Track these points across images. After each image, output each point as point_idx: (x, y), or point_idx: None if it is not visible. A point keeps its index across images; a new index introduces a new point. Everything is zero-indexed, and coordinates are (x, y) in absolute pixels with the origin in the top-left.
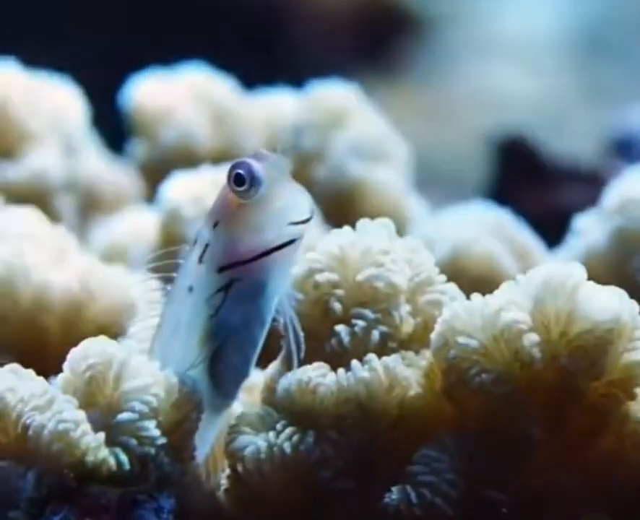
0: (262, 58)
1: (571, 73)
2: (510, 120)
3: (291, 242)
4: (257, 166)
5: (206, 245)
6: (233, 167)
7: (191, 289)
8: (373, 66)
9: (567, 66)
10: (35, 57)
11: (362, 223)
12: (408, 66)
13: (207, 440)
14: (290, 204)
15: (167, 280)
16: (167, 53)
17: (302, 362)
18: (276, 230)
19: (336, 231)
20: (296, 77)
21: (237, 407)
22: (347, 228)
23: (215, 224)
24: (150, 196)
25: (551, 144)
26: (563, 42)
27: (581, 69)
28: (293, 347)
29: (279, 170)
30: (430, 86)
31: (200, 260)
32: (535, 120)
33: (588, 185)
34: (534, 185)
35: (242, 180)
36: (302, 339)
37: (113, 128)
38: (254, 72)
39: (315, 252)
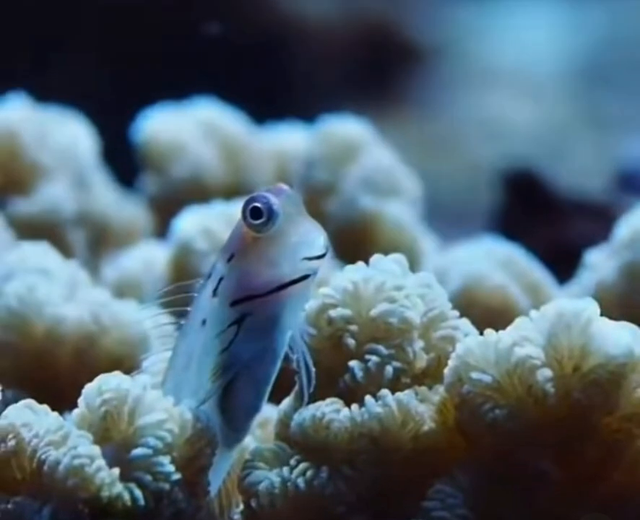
0: (269, 89)
1: (571, 102)
2: (513, 151)
3: (305, 277)
4: (274, 200)
5: (221, 279)
6: (249, 201)
7: (204, 322)
8: (375, 97)
9: (568, 96)
10: (45, 91)
11: (376, 258)
12: (410, 97)
13: (219, 475)
14: (305, 239)
15: (180, 314)
16: (178, 87)
17: (315, 398)
18: (291, 264)
19: (349, 267)
20: (301, 108)
21: (250, 442)
22: (360, 264)
23: (230, 258)
24: (161, 230)
25: (555, 175)
26: (564, 71)
27: (582, 98)
28: (305, 383)
29: (294, 205)
30: (432, 116)
31: (214, 293)
32: (538, 150)
33: (597, 219)
34: (543, 219)
35: (259, 214)
36: (313, 375)
37: (124, 162)
38: (262, 105)
39: (328, 287)
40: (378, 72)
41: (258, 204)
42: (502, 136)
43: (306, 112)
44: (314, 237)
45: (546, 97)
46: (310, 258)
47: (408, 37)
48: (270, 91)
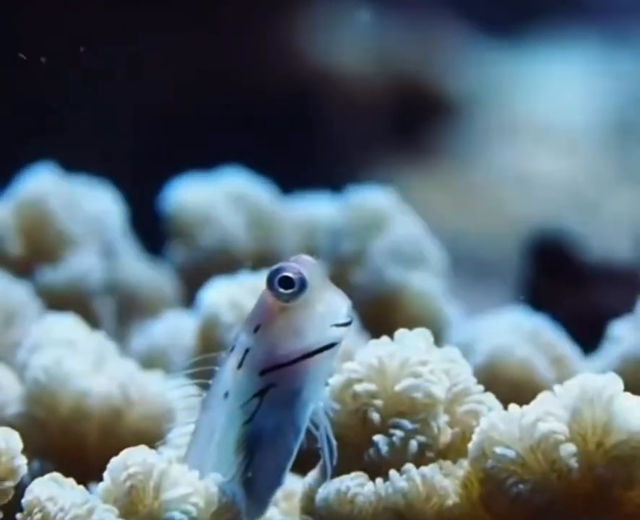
0: (300, 147)
1: (605, 156)
2: (545, 205)
3: (331, 345)
4: (303, 270)
5: (247, 350)
6: (278, 271)
7: (226, 395)
8: (407, 150)
9: (601, 149)
10: (74, 161)
11: (401, 333)
12: (442, 150)
13: None
14: (331, 307)
15: (204, 386)
16: (204, 157)
17: (340, 472)
18: (318, 332)
19: (374, 342)
20: (333, 165)
21: (275, 515)
22: (385, 338)
23: (256, 329)
24: (189, 299)
25: (586, 234)
26: (597, 124)
27: (616, 152)
28: (327, 457)
29: (319, 275)
30: (464, 170)
31: (239, 365)
32: (568, 203)
33: (625, 287)
34: (570, 288)
35: (290, 284)
36: (335, 449)
37: (152, 232)
38: (293, 166)
39: (353, 362)
40: (410, 125)
41: (290, 274)
42: (534, 189)
43: (338, 169)
44: (339, 306)
45: (579, 150)
46: (337, 325)
47: (440, 89)
48: (301, 148)
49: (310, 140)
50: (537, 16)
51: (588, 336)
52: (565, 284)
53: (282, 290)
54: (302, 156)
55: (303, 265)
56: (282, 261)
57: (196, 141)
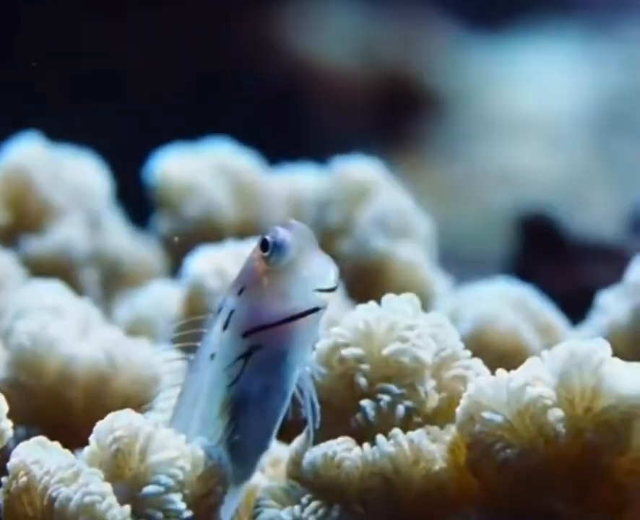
0: (283, 134)
1: (589, 150)
2: (529, 198)
3: (315, 310)
4: (285, 233)
5: (231, 312)
6: (263, 234)
7: (212, 357)
8: (392, 144)
9: (586, 143)
10: (58, 131)
11: (388, 298)
12: (427, 144)
13: (227, 512)
14: (317, 272)
15: (191, 350)
16: (192, 128)
17: (327, 437)
18: (302, 296)
19: (361, 306)
20: (314, 152)
21: (262, 481)
22: (372, 303)
23: (241, 291)
24: (174, 270)
25: (572, 217)
26: (582, 119)
27: (600, 146)
28: (310, 420)
29: (306, 239)
30: (449, 164)
31: (224, 327)
32: (555, 198)
33: (611, 262)
34: (557, 262)
35: (269, 247)
36: (318, 412)
37: (137, 202)
38: (274, 150)
39: (340, 326)
40: (395, 119)
41: (269, 237)
42: (519, 183)
43: (321, 155)
44: (325, 271)
45: (564, 144)
46: (321, 291)
47: (425, 84)
48: (284, 136)
49: (293, 133)
50: (521, 11)
51: (574, 311)
52: (552, 261)
53: (264, 253)
54: (285, 147)
55: (289, 229)
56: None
57: (182, 113)
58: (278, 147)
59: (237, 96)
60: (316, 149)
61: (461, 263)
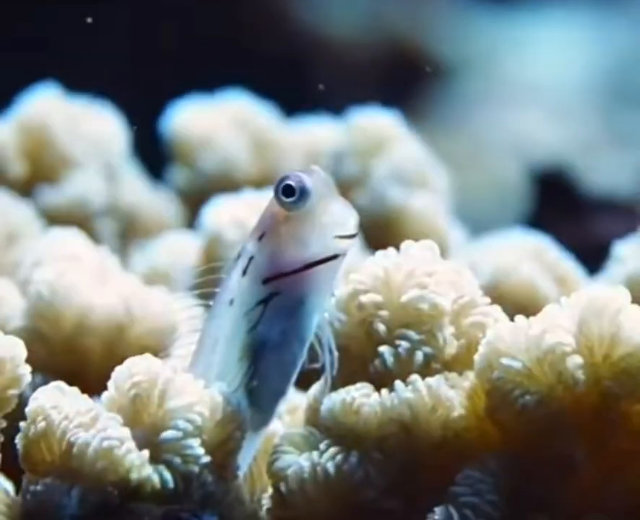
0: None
1: (597, 118)
2: (541, 160)
3: (335, 257)
4: (307, 179)
5: (251, 258)
6: (282, 179)
7: (231, 303)
8: (400, 113)
9: (593, 112)
10: (76, 82)
11: (407, 245)
12: (434, 112)
13: (245, 458)
14: (337, 218)
15: (209, 296)
16: (207, 80)
17: (346, 383)
18: (322, 243)
19: (380, 253)
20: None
21: (279, 428)
22: (391, 250)
23: (261, 237)
24: (190, 222)
25: (585, 178)
26: (589, 87)
27: (608, 115)
28: (327, 367)
29: (326, 186)
30: (456, 132)
31: (244, 273)
32: (564, 162)
33: (625, 216)
34: (571, 217)
35: (291, 192)
36: (335, 360)
37: (154, 154)
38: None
39: (359, 273)
40: (403, 87)
41: (291, 182)
42: (529, 148)
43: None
44: (345, 218)
45: (571, 113)
46: (341, 237)
47: (433, 52)
48: (287, 109)
49: (296, 102)
50: None
51: (591, 262)
52: (566, 216)
53: (285, 198)
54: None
55: (309, 175)
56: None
57: (198, 66)
58: (289, 113)
59: (247, 63)
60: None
61: (475, 227)
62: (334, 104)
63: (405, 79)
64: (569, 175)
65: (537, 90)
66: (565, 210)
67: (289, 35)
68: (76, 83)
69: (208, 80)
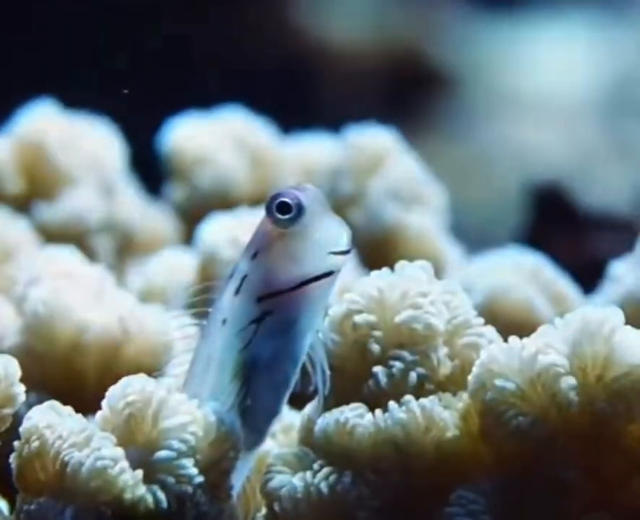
0: (293, 115)
1: (599, 130)
2: (541, 173)
3: (329, 274)
4: (300, 195)
5: (244, 277)
6: (276, 197)
7: (224, 322)
8: (402, 123)
9: (595, 123)
10: (73, 97)
11: (401, 265)
12: (437, 123)
13: (238, 477)
14: (330, 235)
15: (203, 315)
16: (206, 96)
17: (339, 403)
18: (316, 260)
19: (375, 273)
20: (326, 126)
21: (273, 447)
22: (385, 270)
23: (254, 255)
24: (187, 238)
25: (583, 193)
26: (591, 98)
27: (610, 126)
28: (320, 386)
29: (319, 202)
30: (459, 142)
31: (237, 292)
32: (566, 173)
33: (622, 234)
34: (568, 234)
35: (286, 209)
36: (328, 379)
37: (151, 170)
38: (287, 126)
39: (353, 293)
40: (405, 98)
41: (286, 199)
42: (530, 160)
43: (333, 129)
44: (338, 234)
45: (573, 124)
46: (335, 254)
47: (436, 63)
48: (296, 115)
49: (301, 112)
50: None
51: (586, 283)
52: (563, 232)
53: (279, 215)
54: (298, 121)
55: (302, 191)
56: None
57: (196, 82)
58: (291, 124)
59: (250, 71)
60: (330, 125)
61: (474, 239)
62: (337, 113)
63: (408, 89)
64: (568, 191)
65: (539, 102)
66: (563, 226)
67: (292, 44)
68: (74, 100)
69: (208, 92)
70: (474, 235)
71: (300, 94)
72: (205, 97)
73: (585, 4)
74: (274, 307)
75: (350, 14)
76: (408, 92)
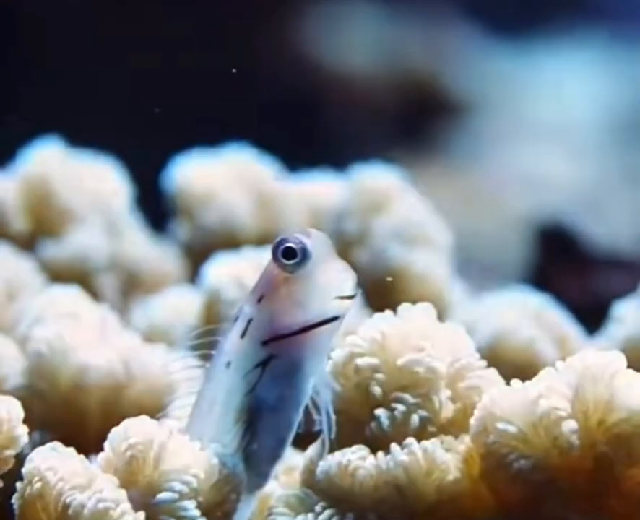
0: (305, 142)
1: (609, 156)
2: (549, 204)
3: (335, 319)
4: (307, 240)
5: (250, 320)
6: (282, 242)
7: (228, 365)
8: (414, 150)
9: (605, 150)
10: (78, 138)
11: (404, 308)
12: (448, 150)
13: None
14: (336, 280)
15: (207, 357)
16: (212, 134)
17: (342, 445)
18: (322, 304)
19: (377, 315)
20: (338, 159)
21: (276, 489)
22: (388, 312)
23: (260, 299)
24: (192, 277)
25: (590, 228)
26: (602, 126)
27: (621, 153)
28: (325, 430)
29: (324, 246)
30: (470, 170)
31: (242, 335)
32: (574, 204)
33: (628, 273)
34: (574, 272)
35: (292, 254)
36: (333, 423)
37: (157, 208)
38: (297, 156)
39: (356, 336)
40: (417, 125)
41: (291, 244)
42: (539, 190)
43: (344, 161)
44: (344, 279)
45: (584, 151)
46: (340, 299)
47: (447, 90)
48: (308, 142)
49: (316, 138)
50: (545, 17)
51: (591, 321)
52: (569, 271)
53: (285, 261)
54: (307, 152)
55: (307, 236)
56: (285, 234)
57: (202, 120)
58: (301, 153)
59: (260, 101)
60: (340, 155)
61: (482, 268)
62: (347, 142)
63: (418, 116)
64: (575, 227)
65: (550, 128)
66: (569, 264)
67: (305, 72)
68: (79, 138)
69: (218, 123)
70: (483, 264)
71: (310, 122)
72: (212, 132)
73: (596, 33)
74: (280, 351)
75: (361, 42)
76: (418, 120)
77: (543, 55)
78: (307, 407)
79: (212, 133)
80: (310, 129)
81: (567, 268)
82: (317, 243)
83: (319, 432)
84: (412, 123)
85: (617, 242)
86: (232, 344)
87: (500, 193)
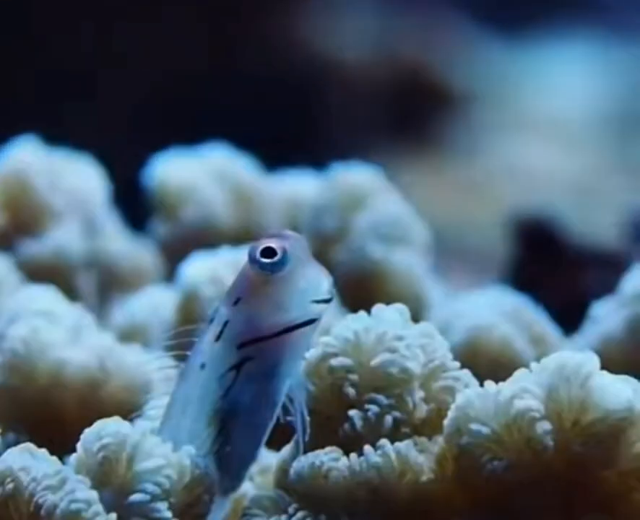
0: (299, 133)
1: (603, 149)
2: (542, 197)
3: (312, 321)
4: (285, 243)
5: (226, 322)
6: (259, 244)
7: (202, 367)
8: (407, 141)
9: (600, 143)
10: (56, 134)
11: (377, 308)
12: (442, 142)
13: None
14: (313, 283)
15: (182, 358)
16: (190, 132)
17: (315, 446)
18: (299, 307)
19: (351, 316)
20: (332, 151)
21: (249, 490)
22: (362, 313)
23: (236, 302)
24: (171, 274)
25: (575, 223)
26: (596, 118)
27: (614, 146)
28: (299, 432)
29: (301, 249)
30: (463, 162)
31: (218, 338)
32: (567, 197)
33: (609, 269)
34: (555, 269)
35: (272, 254)
36: (307, 424)
37: (135, 206)
38: (290, 148)
39: (330, 336)
40: (411, 116)
41: (271, 245)
42: (534, 182)
43: (337, 154)
44: (321, 282)
45: (578, 144)
46: (317, 302)
47: (441, 82)
48: (302, 133)
49: (308, 127)
50: (541, 11)
51: (572, 318)
52: (550, 267)
53: (262, 263)
54: (298, 142)
55: (284, 239)
56: (262, 236)
57: (181, 117)
58: (295, 145)
59: (252, 95)
60: (334, 146)
61: (472, 261)
62: (342, 130)
63: (413, 107)
64: (559, 224)
65: (544, 121)
66: (548, 262)
67: (300, 64)
68: (57, 136)
69: (197, 122)
70: (473, 255)
71: (307, 114)
72: (191, 129)
73: (593, 27)
74: (255, 353)
75: (355, 31)
76: (413, 110)
77: (537, 47)
78: (283, 403)
79: (190, 131)
80: (303, 119)
81: (547, 264)
82: (295, 245)
83: (294, 431)
84: (405, 114)
85: (601, 238)
86: (207, 345)
87: (493, 184)
